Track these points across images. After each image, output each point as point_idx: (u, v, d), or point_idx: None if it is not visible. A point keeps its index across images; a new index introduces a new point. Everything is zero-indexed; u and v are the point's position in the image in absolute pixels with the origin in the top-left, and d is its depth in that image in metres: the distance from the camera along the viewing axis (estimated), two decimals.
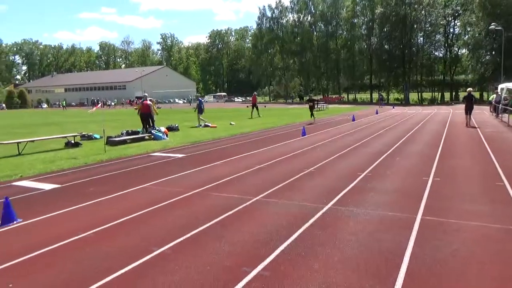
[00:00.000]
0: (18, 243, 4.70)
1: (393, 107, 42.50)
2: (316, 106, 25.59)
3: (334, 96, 73.10)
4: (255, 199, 6.28)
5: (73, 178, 8.47)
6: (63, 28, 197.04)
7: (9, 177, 8.64)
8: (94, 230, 5.02)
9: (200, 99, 21.96)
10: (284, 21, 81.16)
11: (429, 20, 59.22)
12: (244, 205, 5.97)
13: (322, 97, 71.25)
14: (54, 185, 7.78)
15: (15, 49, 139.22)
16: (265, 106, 49.60)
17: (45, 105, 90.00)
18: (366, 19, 67.50)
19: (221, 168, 9.07)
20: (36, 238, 4.85)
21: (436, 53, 63.28)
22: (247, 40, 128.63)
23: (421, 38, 61.66)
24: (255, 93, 33.62)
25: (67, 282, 3.65)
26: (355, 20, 69.73)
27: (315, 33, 78.31)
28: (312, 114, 23.59)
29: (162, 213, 5.75)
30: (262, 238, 4.60)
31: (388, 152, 10.67)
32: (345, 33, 73.54)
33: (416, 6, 57.89)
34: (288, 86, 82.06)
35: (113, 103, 73.22)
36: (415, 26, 59.39)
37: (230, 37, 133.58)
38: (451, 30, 62.54)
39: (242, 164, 9.51)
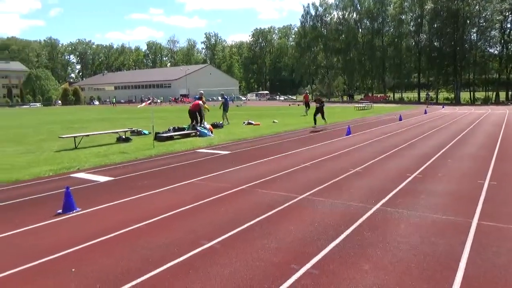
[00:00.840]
0: (78, 231, 5.01)
1: (443, 107, 40.66)
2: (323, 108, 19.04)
3: (379, 95, 71.09)
4: (301, 197, 6.27)
5: (125, 171, 8.88)
6: (114, 28, 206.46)
7: (68, 169, 9.20)
8: (146, 222, 5.23)
9: (226, 97, 22.08)
10: (328, 18, 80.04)
11: (483, 15, 55.98)
12: (290, 202, 5.98)
13: (366, 95, 69.52)
14: (108, 178, 8.19)
15: (70, 49, 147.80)
16: (298, 105, 49.28)
17: (96, 102, 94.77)
18: (414, 15, 65.04)
19: (266, 166, 9.12)
20: (94, 226, 5.14)
21: (491, 50, 59.78)
22: (290, 39, 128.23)
23: (475, 35, 58.46)
24: (307, 91, 33.50)
25: (125, 269, 3.84)
26: (403, 17, 67.32)
27: (360, 30, 76.56)
28: (323, 117, 18.76)
29: (210, 208, 5.89)
30: (309, 236, 4.59)
31: (439, 154, 10.23)
32: (391, 30, 71.27)
33: (469, 0, 54.92)
34: (331, 85, 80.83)
35: (159, 101, 75.68)
36: (468, 21, 56.38)
37: (273, 36, 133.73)
38: (508, 26, 58.74)
39: (287, 162, 9.51)
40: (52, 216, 5.62)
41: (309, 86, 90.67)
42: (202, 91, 18.68)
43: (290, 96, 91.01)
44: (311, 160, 9.58)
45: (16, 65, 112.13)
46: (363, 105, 38.27)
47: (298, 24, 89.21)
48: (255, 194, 6.58)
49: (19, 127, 23.36)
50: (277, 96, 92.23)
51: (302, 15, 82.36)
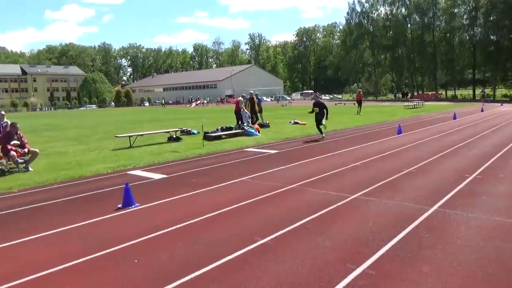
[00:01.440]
0: (138, 225, 5.28)
1: (502, 104, 38.14)
2: (326, 113, 14.08)
3: (430, 93, 68.02)
4: (353, 197, 6.18)
5: (177, 169, 9.20)
6: (162, 32, 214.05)
7: (124, 166, 9.70)
8: (201, 218, 5.40)
9: (259, 97, 21.90)
10: (375, 14, 77.67)
11: None
12: (342, 202, 5.92)
13: (416, 93, 66.80)
14: (162, 175, 8.54)
15: (122, 53, 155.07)
16: (344, 104, 48.29)
17: (146, 103, 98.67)
18: (468, 8, 61.48)
19: (315, 165, 9.08)
20: (152, 221, 5.39)
21: None
22: (335, 37, 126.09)
23: None
24: (360, 90, 32.89)
25: (185, 262, 4.01)
26: (455, 10, 63.83)
27: (409, 25, 73.60)
28: (319, 126, 14.19)
29: (261, 205, 5.97)
30: (363, 236, 4.52)
31: (500, 154, 9.64)
32: (443, 24, 67.79)
33: None
34: (379, 83, 78.46)
35: (205, 101, 77.39)
36: None
37: (318, 34, 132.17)
38: None
39: (337, 161, 9.40)
40: (113, 210, 5.97)
41: (355, 84, 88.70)
42: (252, 91, 18.90)
43: (335, 95, 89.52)
44: (361, 160, 9.39)
45: (74, 70, 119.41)
46: (414, 103, 36.82)
47: (343, 21, 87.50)
48: (306, 193, 6.57)
49: (79, 127, 24.89)
50: (322, 95, 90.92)
51: (347, 13, 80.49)
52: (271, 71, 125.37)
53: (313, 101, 14.82)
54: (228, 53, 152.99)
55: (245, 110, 17.30)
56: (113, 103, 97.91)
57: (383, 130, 16.62)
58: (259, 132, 16.07)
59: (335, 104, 50.95)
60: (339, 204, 5.83)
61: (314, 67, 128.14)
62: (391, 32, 73.74)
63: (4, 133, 9.87)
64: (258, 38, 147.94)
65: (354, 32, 78.43)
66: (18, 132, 9.91)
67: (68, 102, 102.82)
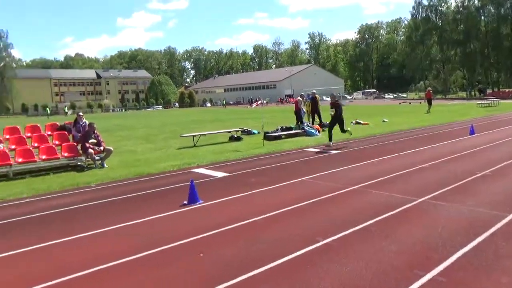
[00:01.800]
0: (203, 221, 5.48)
1: None
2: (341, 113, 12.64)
3: (507, 90, 62.51)
4: (420, 200, 5.88)
5: (239, 168, 9.40)
6: (223, 35, 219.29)
7: (189, 164, 10.11)
8: (263, 216, 5.47)
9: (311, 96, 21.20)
10: (444, 8, 73.09)
11: None
12: (409, 205, 5.66)
13: (491, 90, 61.76)
14: (224, 173, 8.78)
15: (185, 56, 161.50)
16: (409, 103, 45.89)
17: (208, 104, 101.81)
18: None
19: (379, 166, 8.78)
20: (216, 218, 5.57)
21: None
22: (400, 33, 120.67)
23: None
24: (430, 88, 31.33)
25: (247, 259, 4.09)
26: None
27: (482, 18, 68.28)
28: (343, 130, 12.68)
29: (323, 206, 5.91)
30: (433, 241, 4.29)
31: None
32: None
33: None
34: (448, 80, 73.72)
35: (265, 101, 78.06)
36: None
37: (381, 31, 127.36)
38: None
39: (402, 162, 9.01)
40: (179, 206, 6.25)
41: (421, 82, 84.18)
42: (314, 91, 18.68)
43: (399, 94, 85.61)
44: (430, 161, 8.90)
45: (142, 73, 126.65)
46: (488, 101, 34.08)
47: (409, 16, 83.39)
48: (369, 194, 6.38)
49: (147, 127, 26.36)
50: (385, 94, 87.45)
51: (413, 7, 76.61)
52: (331, 70, 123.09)
53: (330, 101, 12.92)
54: (287, 53, 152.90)
55: (303, 109, 17.21)
56: (177, 104, 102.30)
57: (454, 130, 15.60)
58: (319, 132, 15.88)
59: (400, 103, 48.72)
60: (405, 207, 5.59)
61: (377, 65, 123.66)
62: (462, 25, 68.99)
63: (84, 132, 10.77)
64: (318, 37, 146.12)
65: (421, 27, 74.48)
66: (95, 132, 10.76)
67: (137, 103, 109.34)
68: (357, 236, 4.58)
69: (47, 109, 70.00)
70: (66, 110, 65.00)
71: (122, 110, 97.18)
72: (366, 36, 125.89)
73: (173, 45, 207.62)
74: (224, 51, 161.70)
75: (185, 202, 6.40)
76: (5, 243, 4.95)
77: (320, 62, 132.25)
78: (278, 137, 14.73)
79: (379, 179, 7.38)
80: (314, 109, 17.88)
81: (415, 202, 5.77)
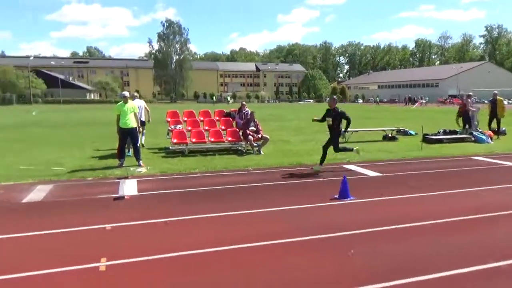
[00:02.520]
0: (354, 217, 5.41)
1: None
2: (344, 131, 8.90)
3: None
4: None
5: (393, 169, 8.92)
6: (381, 29, 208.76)
7: (340, 160, 10.07)
8: (425, 222, 5.07)
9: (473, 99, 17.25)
10: None
11: None
12: None
13: None
14: (376, 173, 8.46)
15: (341, 51, 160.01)
16: None
17: (360, 100, 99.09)
18: None
19: None
20: (369, 215, 5.43)
21: None
22: None
23: None
24: None
25: (411, 260, 3.89)
26: None
27: None
28: (337, 148, 8.87)
29: (501, 222, 5.16)
30: None
31: None
32: None
33: None
34: None
35: (424, 101, 71.71)
36: None
37: None
38: None
39: None
40: (329, 200, 6.30)
41: None
42: (496, 91, 16.04)
43: None
44: None
45: (297, 67, 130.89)
46: None
47: None
48: None
49: (298, 119, 27.20)
50: None
51: None
52: (511, 68, 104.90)
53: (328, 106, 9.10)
54: (456, 48, 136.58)
55: (474, 112, 15.08)
56: (328, 99, 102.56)
57: None
58: (491, 139, 13.79)
59: None
60: None
61: None
62: None
63: (246, 120, 11.79)
64: (497, 29, 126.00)
65: None
66: (255, 120, 11.66)
67: (290, 96, 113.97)
68: None
69: (214, 97, 78.99)
70: (228, 99, 72.07)
71: (276, 102, 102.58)
72: None
73: (329, 40, 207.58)
74: (382, 46, 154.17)
75: (336, 196, 6.42)
76: (200, 207, 5.85)
77: (497, 59, 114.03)
78: (440, 141, 13.38)
79: None
80: (493, 113, 15.26)
81: None
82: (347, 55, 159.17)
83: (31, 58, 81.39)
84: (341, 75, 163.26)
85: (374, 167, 9.21)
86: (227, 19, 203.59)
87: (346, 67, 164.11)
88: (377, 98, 78.43)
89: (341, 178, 6.58)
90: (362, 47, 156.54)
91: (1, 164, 9.49)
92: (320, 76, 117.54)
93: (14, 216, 5.59)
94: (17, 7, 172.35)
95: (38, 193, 6.77)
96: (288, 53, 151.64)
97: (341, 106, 9.35)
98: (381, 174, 8.39)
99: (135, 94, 11.83)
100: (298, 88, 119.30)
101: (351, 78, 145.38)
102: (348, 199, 6.33)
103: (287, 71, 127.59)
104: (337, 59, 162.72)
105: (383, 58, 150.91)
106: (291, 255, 4.13)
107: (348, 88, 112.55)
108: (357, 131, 14.87)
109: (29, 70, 73.58)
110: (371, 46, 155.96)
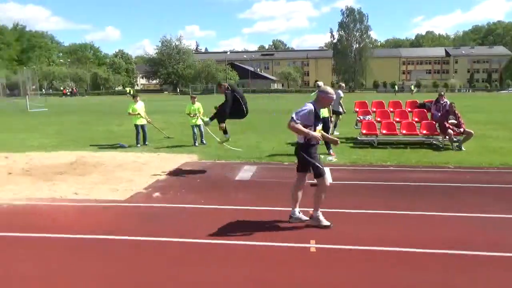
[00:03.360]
0: None
1: None
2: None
3: None
4: None
5: None
6: None
7: None
8: None
9: None
10: None
11: None
12: None
13: None
14: None
15: None
16: None
17: None
18: None
19: None
20: None
21: None
22: None
23: None
24: None
25: None
26: None
27: None
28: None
29: None
30: None
31: None
32: None
33: None
34: None
35: None
36: None
37: None
38: None
39: None
40: None
41: None
42: None
43: None
44: None
45: (498, 50, 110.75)
46: None
47: None
48: None
49: (501, 112, 23.09)
50: None
51: None
52: None
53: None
54: None
55: None
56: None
57: None
58: None
59: None
60: None
61: None
62: None
63: (444, 112, 10.66)
64: None
65: None
66: (456, 112, 10.41)
67: (488, 84, 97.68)
68: None
69: (395, 86, 74.41)
70: (412, 89, 66.69)
71: (469, 91, 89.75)
72: None
73: None
74: None
75: None
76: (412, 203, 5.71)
77: None
78: None
79: None
80: None
81: None
82: None
83: (228, 53, 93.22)
84: None
85: None
86: (410, 1, 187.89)
87: None
88: None
89: None
90: None
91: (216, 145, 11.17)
92: None
93: (231, 191, 6.51)
94: (220, 8, 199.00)
95: (246, 173, 7.72)
96: (487, 34, 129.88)
97: None
98: None
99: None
100: (499, 74, 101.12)
101: None
102: None
103: (485, 54, 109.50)
104: None
105: None
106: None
107: None
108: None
109: (226, 64, 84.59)
110: None
